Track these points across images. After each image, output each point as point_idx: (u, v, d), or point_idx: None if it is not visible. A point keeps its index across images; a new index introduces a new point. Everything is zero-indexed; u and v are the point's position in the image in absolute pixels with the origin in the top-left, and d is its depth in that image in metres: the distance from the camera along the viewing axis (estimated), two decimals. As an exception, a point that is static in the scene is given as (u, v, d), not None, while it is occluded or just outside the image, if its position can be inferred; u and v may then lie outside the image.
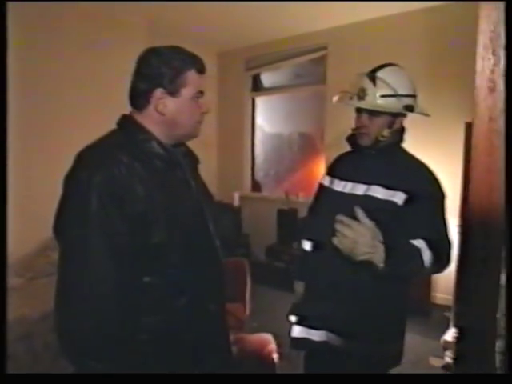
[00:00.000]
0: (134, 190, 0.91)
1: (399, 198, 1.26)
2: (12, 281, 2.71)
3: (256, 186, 5.19)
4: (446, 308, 3.18)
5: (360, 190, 1.32)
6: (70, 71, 3.42)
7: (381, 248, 1.12)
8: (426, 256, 1.18)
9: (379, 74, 1.30)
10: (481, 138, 0.55)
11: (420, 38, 3.53)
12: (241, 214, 4.68)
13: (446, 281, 3.38)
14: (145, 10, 3.60)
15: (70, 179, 0.93)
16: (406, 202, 1.26)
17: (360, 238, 1.11)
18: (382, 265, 1.12)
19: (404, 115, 1.35)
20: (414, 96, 1.32)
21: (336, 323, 1.32)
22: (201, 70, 1.00)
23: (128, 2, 3.38)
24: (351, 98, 1.33)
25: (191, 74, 0.98)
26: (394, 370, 1.33)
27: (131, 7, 3.49)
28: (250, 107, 5.05)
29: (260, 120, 5.12)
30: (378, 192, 1.28)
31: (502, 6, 0.49)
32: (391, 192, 1.27)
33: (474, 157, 0.58)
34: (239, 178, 5.03)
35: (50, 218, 0.93)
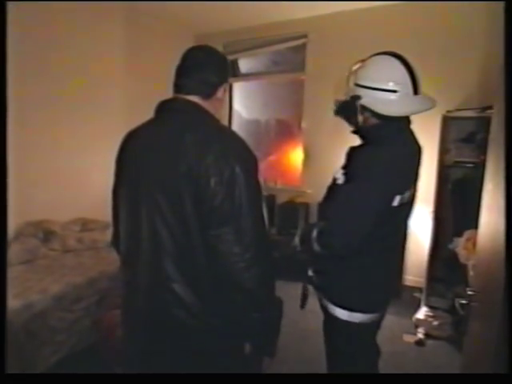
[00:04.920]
0: None
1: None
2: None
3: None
4: (416, 289, 3.35)
5: None
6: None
7: None
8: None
9: (354, 67, 1.40)
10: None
11: (401, 31, 3.60)
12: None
13: (415, 265, 3.55)
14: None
15: None
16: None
17: None
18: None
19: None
20: (375, 89, 1.34)
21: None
22: None
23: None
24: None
25: None
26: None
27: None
28: (228, 92, 5.01)
29: (237, 106, 5.11)
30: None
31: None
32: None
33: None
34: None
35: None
